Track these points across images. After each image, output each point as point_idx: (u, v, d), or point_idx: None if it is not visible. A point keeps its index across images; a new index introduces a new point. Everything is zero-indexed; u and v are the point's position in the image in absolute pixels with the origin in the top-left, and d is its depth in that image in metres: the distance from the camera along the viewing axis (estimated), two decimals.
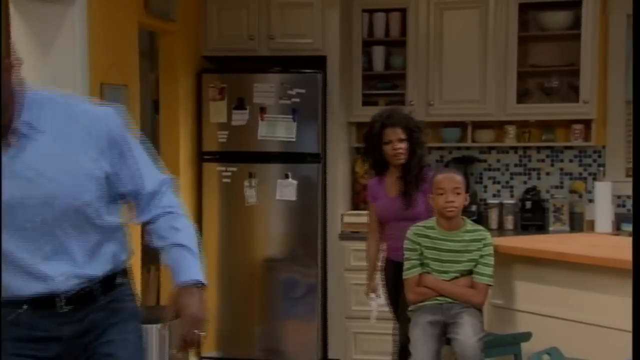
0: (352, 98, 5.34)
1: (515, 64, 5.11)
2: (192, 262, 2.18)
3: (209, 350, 5.14)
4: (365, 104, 5.34)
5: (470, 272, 3.56)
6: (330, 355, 5.16)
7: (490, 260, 3.56)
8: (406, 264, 3.64)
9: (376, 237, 4.11)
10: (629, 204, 5.27)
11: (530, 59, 5.29)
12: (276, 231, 5.10)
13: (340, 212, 5.20)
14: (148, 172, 2.23)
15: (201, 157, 5.15)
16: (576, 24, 5.07)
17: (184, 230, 2.23)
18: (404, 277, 3.65)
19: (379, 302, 4.13)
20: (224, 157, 5.10)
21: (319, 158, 5.03)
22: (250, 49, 5.17)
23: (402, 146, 3.84)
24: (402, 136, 3.84)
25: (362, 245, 5.02)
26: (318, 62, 5.08)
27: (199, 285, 2.16)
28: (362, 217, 5.19)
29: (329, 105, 5.11)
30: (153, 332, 2.27)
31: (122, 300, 2.22)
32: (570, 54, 5.12)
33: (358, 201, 5.44)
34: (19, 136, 2.00)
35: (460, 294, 3.53)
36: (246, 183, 5.07)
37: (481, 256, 3.54)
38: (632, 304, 1.75)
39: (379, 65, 5.41)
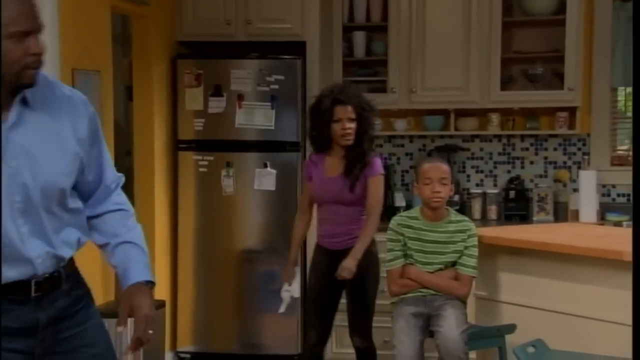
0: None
1: (499, 50, 5.09)
2: (143, 262, 2.20)
3: (184, 344, 5.09)
4: None
5: (454, 264, 3.55)
6: None
7: (475, 251, 3.54)
8: (389, 255, 3.61)
9: (305, 220, 4.03)
10: (614, 193, 5.28)
11: (514, 45, 5.27)
12: (255, 222, 5.04)
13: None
14: (109, 166, 2.25)
15: (177, 145, 5.07)
16: (561, 9, 5.05)
17: (135, 229, 2.26)
18: (386, 268, 3.63)
19: (293, 295, 4.05)
20: (201, 145, 5.04)
21: (298, 147, 4.97)
22: (227, 34, 5.09)
23: (352, 126, 3.71)
24: (353, 115, 3.71)
25: None
26: (297, 48, 5.01)
27: (150, 285, 2.18)
28: None
29: (308, 92, 5.04)
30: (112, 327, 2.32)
31: (80, 286, 2.21)
32: (555, 39, 5.10)
33: None
34: (16, 110, 1.97)
35: (444, 286, 3.52)
36: (223, 172, 5.01)
37: (465, 247, 3.53)
38: (632, 300, 1.71)
39: (359, 51, 5.37)
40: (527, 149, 5.39)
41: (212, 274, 5.08)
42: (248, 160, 5.00)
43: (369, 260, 3.79)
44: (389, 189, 5.37)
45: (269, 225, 5.03)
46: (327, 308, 3.94)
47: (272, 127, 4.94)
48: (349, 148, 3.75)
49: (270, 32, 5.04)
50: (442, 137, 5.45)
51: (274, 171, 4.95)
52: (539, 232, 4.01)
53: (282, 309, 4.04)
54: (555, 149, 5.36)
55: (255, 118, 4.96)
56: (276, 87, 4.93)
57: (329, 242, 3.85)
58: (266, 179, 4.96)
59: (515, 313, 3.62)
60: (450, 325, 3.38)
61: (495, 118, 5.26)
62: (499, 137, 5.42)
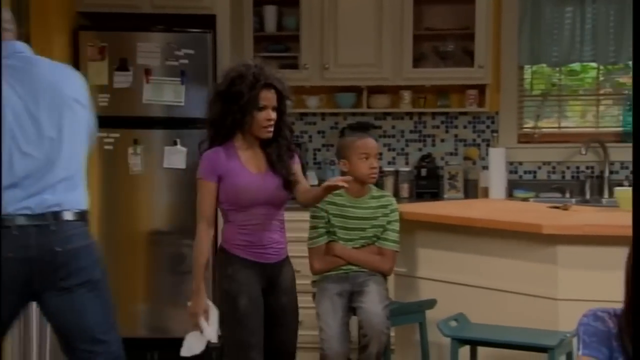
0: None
1: (411, 26, 5.20)
2: None
3: None
4: None
5: (375, 240, 3.65)
6: (222, 331, 5.14)
7: (397, 226, 3.65)
8: (312, 233, 3.66)
9: (211, 236, 3.25)
10: (521, 170, 5.52)
11: (425, 21, 5.39)
12: (164, 201, 4.99)
13: None
14: None
15: None
16: None
17: None
18: (309, 246, 3.67)
19: (211, 339, 3.20)
20: (106, 122, 4.77)
21: None
22: (132, 4, 4.98)
23: (274, 115, 3.20)
24: (275, 103, 3.20)
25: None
26: (207, 22, 4.98)
27: None
28: None
29: (219, 68, 5.03)
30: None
31: None
32: (466, 17, 5.25)
33: None
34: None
35: (369, 261, 3.61)
36: (130, 150, 4.94)
37: (388, 222, 3.63)
38: (632, 301, 1.82)
39: (271, 26, 5.38)
40: (438, 127, 5.56)
41: (118, 255, 4.97)
42: (156, 138, 4.94)
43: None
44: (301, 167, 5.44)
45: (179, 205, 4.97)
46: (262, 338, 3.20)
47: (182, 104, 4.89)
48: (264, 140, 3.23)
49: (178, 4, 4.98)
50: (354, 114, 5.54)
51: (185, 149, 4.92)
52: (457, 208, 4.17)
53: (187, 353, 3.23)
54: (465, 127, 5.55)
55: (164, 94, 4.90)
56: (186, 61, 4.88)
57: (261, 255, 3.21)
58: (176, 157, 4.92)
59: (435, 289, 3.75)
60: (373, 301, 3.47)
61: (407, 95, 5.39)
62: (410, 115, 5.55)
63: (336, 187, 3.04)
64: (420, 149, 5.57)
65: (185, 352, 3.22)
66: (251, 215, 3.20)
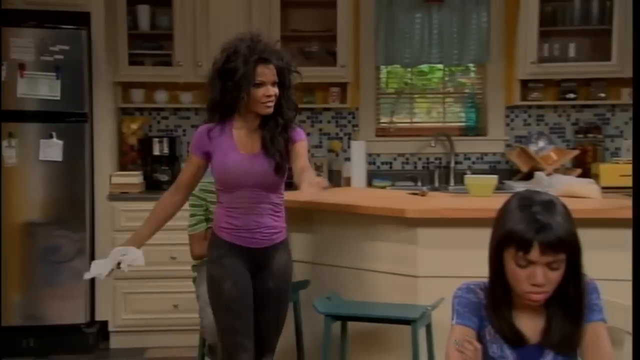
0: (118, 57, 5.07)
1: (278, 28, 5.12)
2: None
3: None
4: (132, 63, 5.11)
5: None
6: (99, 317, 4.93)
7: None
8: (192, 220, 3.55)
9: (176, 199, 3.02)
10: (379, 161, 5.58)
11: (291, 24, 5.35)
12: (40, 194, 4.70)
13: (109, 173, 4.95)
14: None
15: None
16: None
17: None
18: (189, 232, 3.56)
19: (95, 273, 2.93)
20: None
21: (85, 117, 4.72)
22: (4, 0, 4.69)
23: (276, 91, 2.84)
24: (276, 78, 2.84)
25: (132, 205, 4.87)
26: (82, 19, 4.75)
27: None
28: (131, 178, 5.02)
29: (94, 64, 4.81)
30: None
31: None
32: (328, 20, 5.24)
33: (125, 162, 5.21)
34: None
35: None
36: (5, 143, 4.62)
37: None
38: (632, 301, 1.82)
39: (144, 25, 5.18)
40: (304, 122, 5.51)
41: None
42: (32, 131, 4.66)
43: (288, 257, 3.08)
44: (176, 160, 5.29)
45: (56, 196, 4.73)
46: (251, 322, 2.93)
47: (58, 98, 4.64)
48: (265, 118, 2.87)
49: (52, 0, 4.73)
50: None
51: (61, 142, 4.66)
52: (325, 195, 4.13)
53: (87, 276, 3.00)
54: (329, 122, 5.56)
55: (39, 88, 4.63)
56: (61, 57, 4.63)
57: (247, 239, 2.92)
58: (52, 150, 4.65)
59: (307, 270, 3.71)
60: None
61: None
62: None
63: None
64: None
65: (86, 275, 2.97)
66: (238, 197, 2.89)
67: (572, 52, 5.32)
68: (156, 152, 5.19)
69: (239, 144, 2.88)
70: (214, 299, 2.93)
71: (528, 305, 1.84)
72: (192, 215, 3.55)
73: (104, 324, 4.94)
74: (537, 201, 1.79)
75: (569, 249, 1.76)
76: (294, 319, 3.61)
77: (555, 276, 1.77)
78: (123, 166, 5.20)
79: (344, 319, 3.25)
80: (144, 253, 2.95)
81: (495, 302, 1.85)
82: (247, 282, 2.92)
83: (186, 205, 3.59)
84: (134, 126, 5.18)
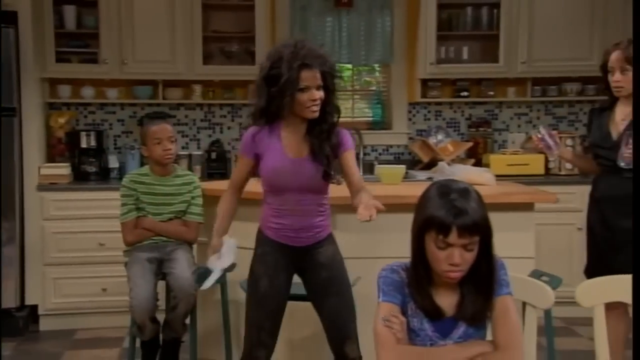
0: (45, 55, 4.89)
1: (200, 28, 5.09)
2: None
3: None
4: (59, 60, 4.96)
5: (182, 213, 3.53)
6: (29, 301, 4.76)
7: (200, 200, 3.57)
8: (123, 209, 3.50)
9: (236, 199, 2.90)
10: None
11: (212, 25, 5.30)
12: None
13: (37, 165, 4.78)
14: None
15: None
16: None
17: None
18: (121, 220, 3.50)
19: (223, 266, 2.88)
20: None
21: (14, 112, 4.55)
22: None
23: (321, 94, 2.66)
24: (320, 82, 2.66)
25: (61, 195, 4.74)
26: (9, 18, 4.55)
27: None
28: (59, 169, 4.88)
29: (22, 61, 4.63)
30: None
31: None
32: (247, 22, 5.22)
33: (54, 154, 5.05)
34: None
35: (176, 232, 3.51)
36: None
37: (192, 197, 3.55)
38: (632, 304, 1.82)
39: (71, 24, 5.02)
40: (225, 116, 5.49)
41: None
42: None
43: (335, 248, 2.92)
44: (103, 152, 5.15)
45: None
46: (279, 321, 2.83)
47: None
48: (312, 123, 2.71)
49: None
50: (150, 105, 5.33)
51: None
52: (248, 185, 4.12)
53: (207, 284, 2.91)
54: (248, 116, 5.49)
55: None
56: None
57: (292, 238, 2.78)
58: None
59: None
60: (182, 267, 3.38)
61: (198, 89, 5.28)
62: (201, 106, 5.45)
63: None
64: (210, 135, 5.48)
65: (207, 284, 2.89)
66: (285, 200, 2.74)
67: (465, 55, 5.47)
68: (84, 144, 5.06)
69: (286, 148, 2.72)
70: (249, 292, 2.83)
71: (445, 282, 1.90)
72: (123, 205, 3.50)
73: (34, 308, 4.78)
74: (454, 189, 1.85)
75: (482, 232, 1.83)
76: (221, 299, 3.59)
77: (470, 256, 1.83)
78: (51, 158, 5.04)
79: None
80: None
81: (417, 280, 1.90)
82: (283, 283, 2.81)
83: (117, 195, 3.54)
84: (62, 120, 5.02)
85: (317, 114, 2.66)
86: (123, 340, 4.54)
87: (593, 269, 3.37)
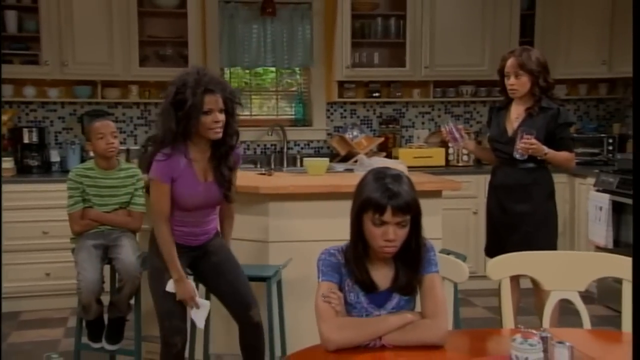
0: None
1: (136, 33, 4.94)
2: None
3: None
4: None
5: (127, 204, 3.41)
6: None
7: (142, 192, 3.45)
8: (70, 201, 3.35)
9: (170, 225, 2.72)
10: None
11: (147, 30, 5.15)
12: None
13: None
14: None
15: None
16: (182, 4, 5.06)
17: None
18: (68, 212, 3.35)
19: (205, 303, 2.84)
20: None
21: None
22: None
23: (223, 118, 2.63)
24: (222, 106, 2.63)
25: (5, 187, 4.46)
26: None
27: None
28: (3, 163, 4.59)
29: None
30: None
31: None
32: (180, 28, 5.10)
33: None
34: None
35: (121, 222, 3.39)
36: None
37: (135, 189, 3.42)
38: (632, 304, 1.78)
39: (12, 28, 4.77)
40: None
41: None
42: None
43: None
44: (45, 147, 4.92)
45: None
46: (185, 306, 2.78)
47: None
48: (215, 144, 2.68)
49: None
50: (90, 104, 5.12)
51: None
52: None
53: (202, 324, 2.87)
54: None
55: None
56: None
57: (192, 240, 2.82)
58: None
59: None
60: (127, 253, 3.27)
61: (134, 89, 5.12)
62: (137, 105, 5.29)
63: None
64: (146, 132, 5.32)
65: (199, 324, 2.84)
66: (190, 214, 2.74)
67: (376, 60, 5.54)
68: (26, 140, 4.82)
69: (198, 172, 2.69)
70: (154, 288, 2.78)
71: (381, 258, 1.92)
72: (69, 197, 3.36)
73: None
74: (388, 175, 1.87)
75: (413, 211, 1.86)
76: None
77: (403, 233, 1.86)
78: None
79: None
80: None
81: (356, 256, 1.90)
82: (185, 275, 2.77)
83: (60, 187, 3.38)
84: (5, 117, 4.75)
85: (220, 135, 2.63)
86: (67, 320, 4.39)
87: (492, 247, 3.49)
